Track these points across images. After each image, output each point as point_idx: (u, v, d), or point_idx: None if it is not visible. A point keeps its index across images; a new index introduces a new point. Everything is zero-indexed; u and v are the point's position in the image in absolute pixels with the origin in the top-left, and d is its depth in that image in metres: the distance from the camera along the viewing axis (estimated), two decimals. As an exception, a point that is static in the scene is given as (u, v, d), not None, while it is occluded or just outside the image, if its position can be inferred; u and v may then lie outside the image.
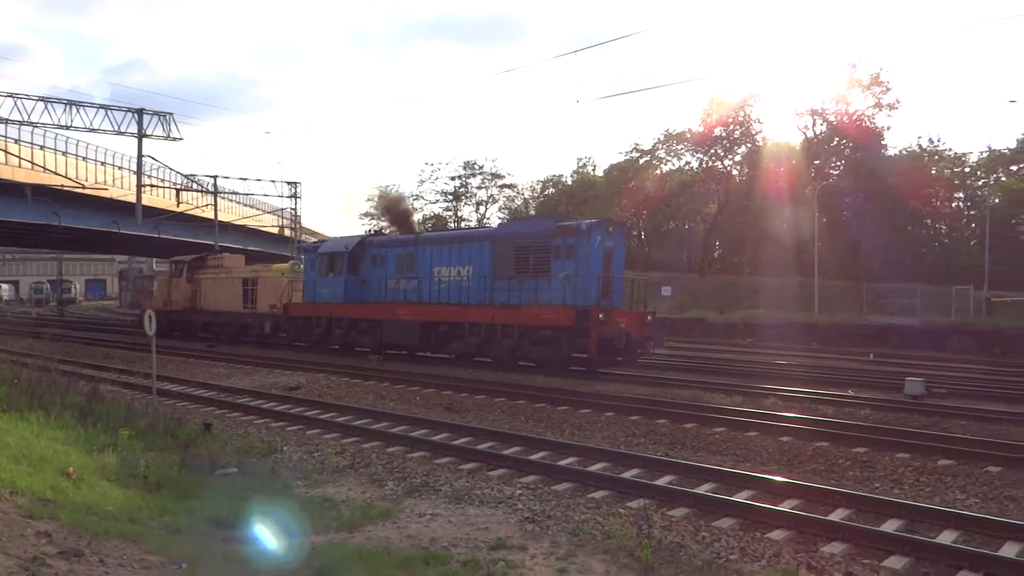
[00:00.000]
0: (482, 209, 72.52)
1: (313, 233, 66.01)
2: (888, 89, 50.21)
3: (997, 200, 51.03)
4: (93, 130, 36.45)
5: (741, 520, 7.60)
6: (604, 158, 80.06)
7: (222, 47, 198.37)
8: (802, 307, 38.73)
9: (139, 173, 40.26)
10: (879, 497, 8.43)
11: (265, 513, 7.46)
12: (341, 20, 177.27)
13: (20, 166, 36.03)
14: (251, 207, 53.75)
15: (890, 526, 7.42)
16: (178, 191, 44.97)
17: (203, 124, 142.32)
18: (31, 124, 34.45)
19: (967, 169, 56.25)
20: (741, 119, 55.68)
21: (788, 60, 72.71)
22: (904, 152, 53.39)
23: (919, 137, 58.32)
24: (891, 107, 50.63)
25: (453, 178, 69.85)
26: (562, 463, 10.05)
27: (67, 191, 38.17)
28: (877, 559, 6.52)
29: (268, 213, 52.04)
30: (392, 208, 34.17)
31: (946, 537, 7.11)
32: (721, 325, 38.03)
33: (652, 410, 13.79)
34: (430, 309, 23.17)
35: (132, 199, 40.77)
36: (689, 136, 59.39)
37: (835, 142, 53.09)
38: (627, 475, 9.44)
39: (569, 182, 71.80)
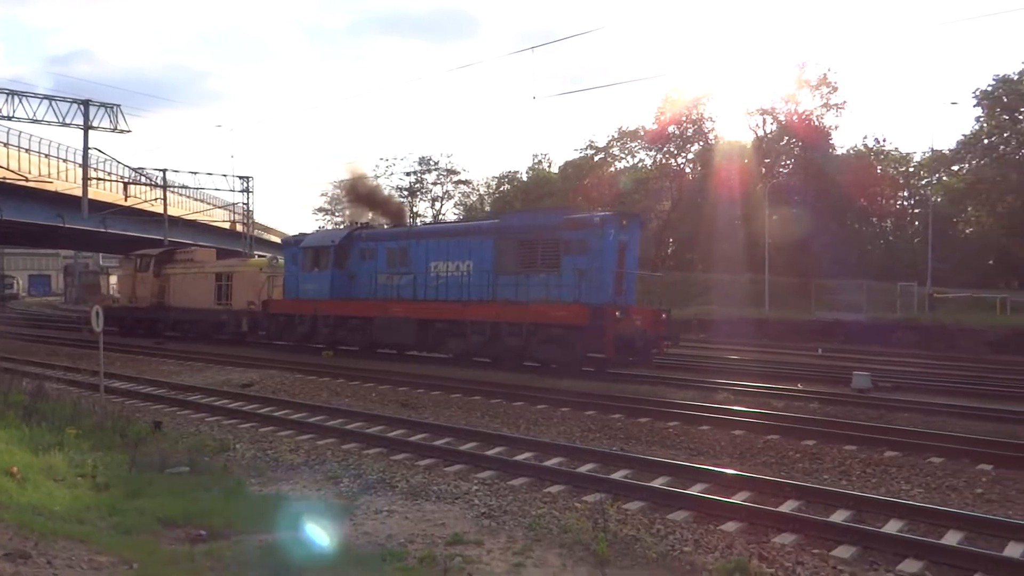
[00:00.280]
0: (437, 205, 72.36)
1: (266, 229, 65.17)
2: (835, 89, 51.44)
3: (939, 199, 52.55)
4: (37, 121, 35.56)
5: (695, 513, 7.71)
6: (560, 155, 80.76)
7: (171, 38, 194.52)
8: (753, 303, 39.39)
9: (85, 166, 39.35)
10: (828, 488, 8.63)
11: (218, 512, 7.36)
12: (294, 12, 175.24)
13: (-43, 157, 34.89)
14: (202, 202, 52.84)
15: (838, 516, 7.59)
16: (126, 185, 43.96)
17: (152, 116, 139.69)
18: (-31, 114, 33.40)
19: (911, 168, 57.83)
20: (694, 117, 56.42)
21: (740, 60, 73.89)
22: (851, 151, 54.70)
23: (864, 137, 59.68)
24: (838, 107, 51.88)
25: (408, 174, 69.63)
26: (518, 458, 10.08)
27: (9, 184, 36.97)
28: (826, 549, 6.68)
29: (219, 208, 51.18)
30: (375, 195, 31.80)
31: (892, 526, 7.31)
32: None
33: (607, 405, 13.90)
34: (427, 306, 21.94)
35: (78, 192, 39.80)
36: (643, 134, 59.99)
37: (785, 141, 54.13)
38: (583, 469, 9.51)
39: (525, 178, 71.99)
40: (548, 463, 9.83)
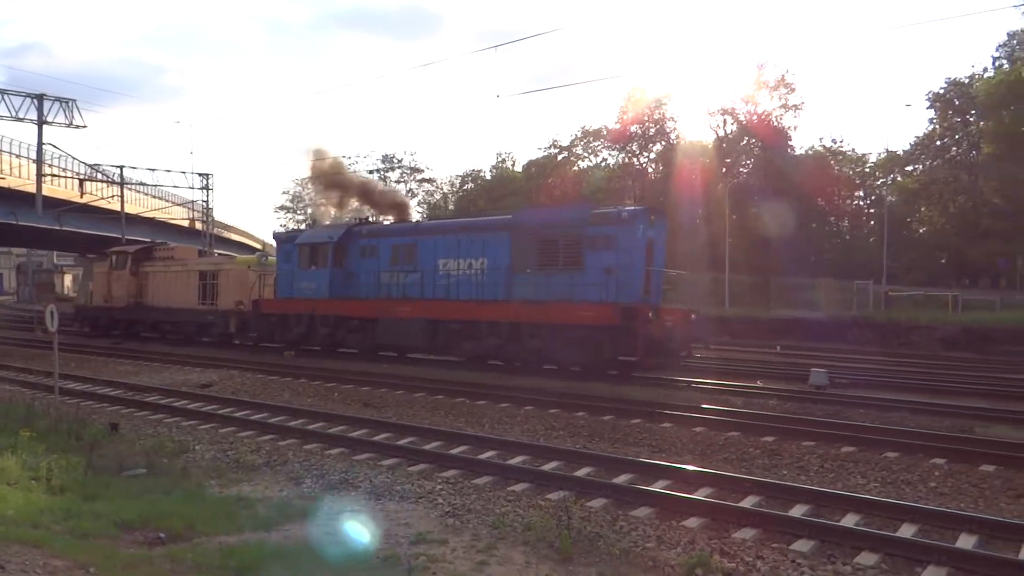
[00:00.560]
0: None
1: (226, 227, 64.27)
2: (793, 90, 52.29)
3: (894, 199, 53.67)
4: (-12, 116, 34.61)
5: (657, 509, 7.79)
6: (524, 153, 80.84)
7: (127, 32, 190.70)
8: (714, 301, 39.85)
9: (39, 162, 38.42)
10: (787, 484, 8.77)
11: (177, 514, 7.26)
12: (254, 7, 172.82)
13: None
14: (160, 199, 51.90)
15: (797, 511, 7.72)
16: (82, 181, 42.96)
17: (108, 111, 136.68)
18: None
19: (867, 169, 59.00)
20: (656, 117, 56.95)
21: (701, 60, 74.65)
22: (809, 152, 55.64)
23: (821, 138, 60.75)
24: (796, 108, 52.75)
25: (371, 171, 69.14)
26: (482, 457, 10.09)
27: (-41, 180, 36.05)
28: (785, 543, 6.79)
29: (178, 205, 50.31)
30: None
31: (849, 520, 7.45)
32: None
33: (570, 403, 13.97)
34: (437, 306, 20.69)
35: (32, 189, 38.85)
36: (606, 133, 60.37)
37: (745, 141, 54.90)
38: (547, 467, 9.55)
39: (488, 177, 71.99)
40: (512, 461, 9.85)
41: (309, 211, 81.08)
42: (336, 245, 23.54)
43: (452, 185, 73.30)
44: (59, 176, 42.23)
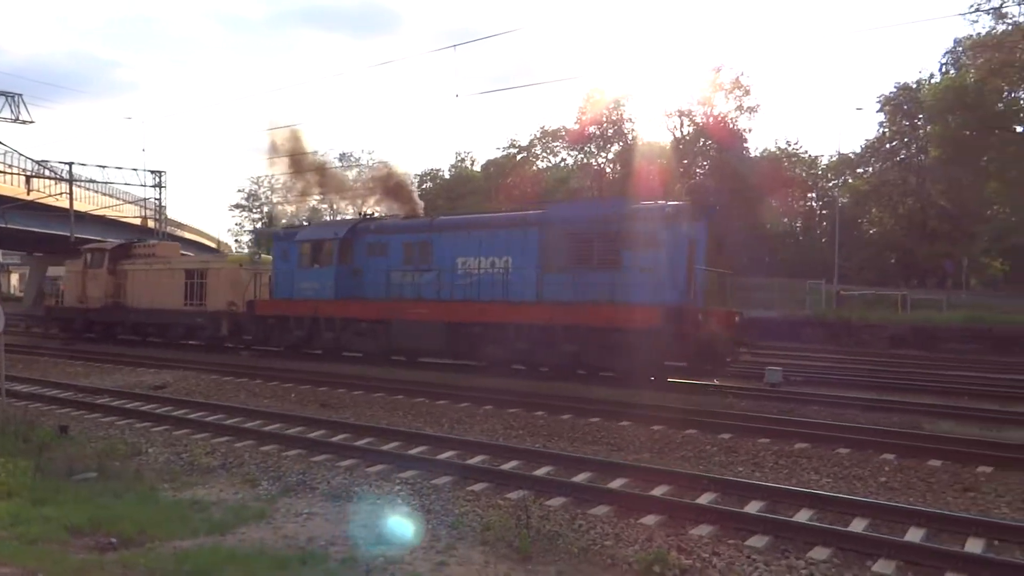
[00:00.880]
0: (359, 202, 71.48)
1: (179, 225, 63.19)
2: (748, 93, 53.19)
3: (845, 200, 54.82)
4: (-71, 110, 33.55)
5: (615, 507, 7.85)
6: (483, 153, 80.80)
7: (77, 25, 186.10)
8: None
9: (-17, 158, 37.36)
10: (742, 480, 8.90)
11: (129, 518, 7.12)
12: (210, 2, 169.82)
13: None
14: (111, 196, 50.79)
15: (753, 507, 7.84)
16: (28, 178, 41.83)
17: (57, 107, 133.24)
18: None
19: (819, 171, 60.19)
20: (614, 118, 57.43)
21: (659, 62, 75.25)
22: (764, 154, 56.59)
23: (777, 140, 61.85)
24: (751, 110, 53.67)
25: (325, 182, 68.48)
26: (441, 457, 10.06)
27: (-102, 176, 34.86)
28: (741, 539, 6.89)
29: (130, 203, 49.28)
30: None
31: (803, 515, 7.59)
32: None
33: (530, 403, 13.99)
34: (459, 308, 19.28)
35: (-25, 186, 37.78)
36: (564, 133, 60.69)
37: (701, 143, 55.64)
38: (506, 467, 9.56)
39: (447, 176, 71.87)
40: (471, 461, 9.84)
41: (265, 209, 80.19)
42: (342, 242, 22.02)
43: (411, 184, 73.02)
44: (5, 172, 41.13)
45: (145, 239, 35.93)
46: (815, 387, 16.68)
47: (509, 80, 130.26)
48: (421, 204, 25.52)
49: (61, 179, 43.30)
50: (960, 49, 50.42)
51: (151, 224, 48.44)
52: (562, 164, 63.11)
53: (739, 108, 53.38)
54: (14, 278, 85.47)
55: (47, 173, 43.23)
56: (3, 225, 42.44)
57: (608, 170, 60.19)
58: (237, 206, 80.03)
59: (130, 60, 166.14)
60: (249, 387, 17.03)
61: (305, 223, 32.43)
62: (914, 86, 52.79)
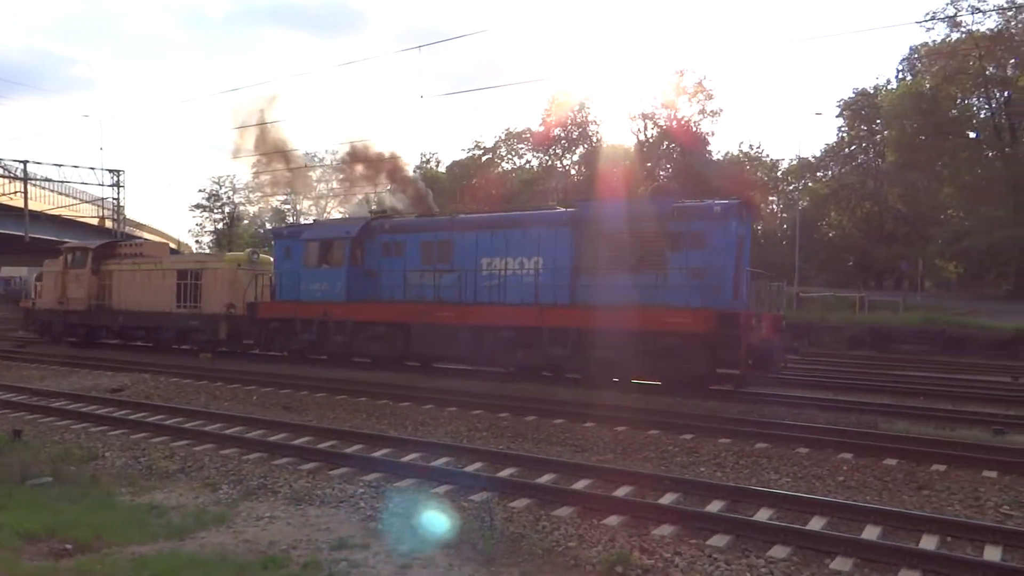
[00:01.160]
0: (322, 203, 70.96)
1: (138, 226, 62.06)
2: (711, 97, 53.84)
3: (805, 203, 55.71)
4: None
5: (579, 508, 7.88)
6: (448, 154, 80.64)
7: (31, 20, 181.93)
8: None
9: (-67, 155, 36.29)
10: (704, 480, 9.00)
11: (85, 524, 6.98)
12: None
13: None
14: (67, 196, 49.71)
15: (714, 507, 7.93)
16: (-20, 177, 40.86)
17: (11, 104, 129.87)
18: None
19: (780, 174, 61.12)
20: (579, 120, 57.72)
21: (623, 65, 75.79)
22: (726, 157, 57.31)
23: (741, 143, 62.67)
24: (714, 114, 54.34)
25: (292, 169, 67.80)
26: (405, 459, 10.02)
27: None
28: (702, 538, 6.96)
29: (87, 203, 48.29)
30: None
31: (763, 515, 7.70)
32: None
33: (494, 404, 13.99)
34: (487, 311, 18.14)
35: (-76, 184, 36.72)
36: (529, 136, 60.86)
37: (665, 146, 56.18)
38: (470, 469, 9.55)
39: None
40: (435, 463, 9.81)
41: (227, 210, 79.11)
42: (354, 241, 20.77)
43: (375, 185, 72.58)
44: (-44, 170, 40.05)
45: (136, 238, 34.77)
46: (775, 387, 16.85)
47: (474, 81, 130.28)
48: (430, 193, 24.97)
49: (15, 178, 42.28)
50: (916, 56, 51.58)
51: (109, 224, 47.50)
52: (527, 166, 63.32)
53: (702, 112, 54.10)
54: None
55: (0, 172, 42.19)
56: (-46, 224, 41.41)
57: (573, 172, 60.51)
58: (198, 206, 78.83)
59: (87, 56, 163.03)
60: (209, 389, 16.80)
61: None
62: (872, 92, 53.87)
